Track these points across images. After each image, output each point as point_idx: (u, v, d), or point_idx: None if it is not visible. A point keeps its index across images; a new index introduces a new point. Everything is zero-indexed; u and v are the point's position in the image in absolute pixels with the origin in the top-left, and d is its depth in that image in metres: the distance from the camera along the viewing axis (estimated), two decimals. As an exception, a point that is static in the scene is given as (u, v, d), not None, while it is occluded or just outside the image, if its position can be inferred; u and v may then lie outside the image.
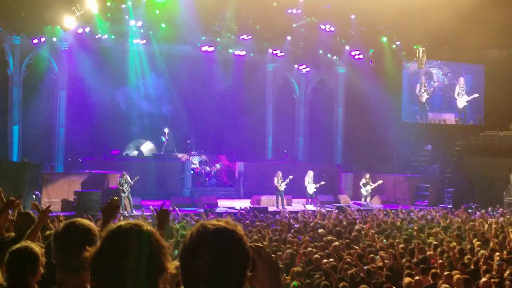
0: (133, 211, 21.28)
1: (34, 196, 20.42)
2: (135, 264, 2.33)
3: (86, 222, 3.32)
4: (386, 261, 11.08)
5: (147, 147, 28.90)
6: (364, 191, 26.37)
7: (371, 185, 26.35)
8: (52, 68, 26.49)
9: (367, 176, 26.67)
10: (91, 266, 2.40)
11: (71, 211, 20.01)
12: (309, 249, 12.13)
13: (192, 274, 2.26)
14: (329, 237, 13.78)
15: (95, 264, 2.39)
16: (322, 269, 10.40)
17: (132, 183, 21.74)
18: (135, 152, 28.38)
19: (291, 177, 24.81)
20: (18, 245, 4.12)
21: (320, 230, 15.54)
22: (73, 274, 3.19)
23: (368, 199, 26.34)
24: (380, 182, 26.47)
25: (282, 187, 24.65)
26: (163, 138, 27.86)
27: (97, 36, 26.00)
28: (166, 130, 27.80)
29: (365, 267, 10.48)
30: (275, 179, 24.71)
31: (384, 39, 29.34)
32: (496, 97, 31.45)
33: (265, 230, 15.00)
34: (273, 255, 2.44)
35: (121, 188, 21.63)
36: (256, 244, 2.41)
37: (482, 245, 13.11)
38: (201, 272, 2.23)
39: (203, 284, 2.23)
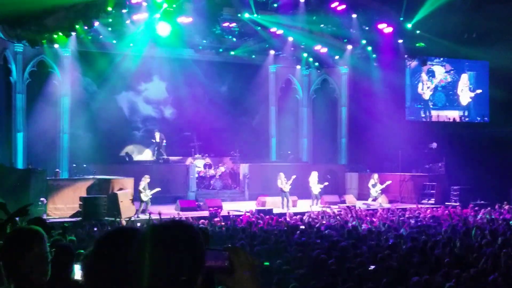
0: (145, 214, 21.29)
1: (39, 203, 20.44)
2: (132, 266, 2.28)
3: (33, 227, 3.39)
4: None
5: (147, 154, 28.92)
6: (374, 191, 26.37)
7: (380, 186, 26.32)
8: (55, 74, 26.51)
9: (376, 176, 26.63)
10: (86, 268, 2.38)
11: (76, 217, 20.03)
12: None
13: (136, 274, 2.20)
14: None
15: (90, 266, 2.36)
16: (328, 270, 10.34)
17: (149, 194, 21.89)
18: (139, 156, 28.38)
19: (294, 176, 24.76)
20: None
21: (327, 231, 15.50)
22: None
23: (379, 200, 26.28)
24: (388, 182, 26.46)
25: (287, 188, 24.58)
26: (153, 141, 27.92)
27: (98, 42, 26.05)
28: (157, 135, 27.78)
29: (372, 267, 10.42)
30: (278, 180, 24.65)
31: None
32: (501, 93, 31.36)
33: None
34: (253, 257, 2.38)
35: (142, 191, 21.78)
36: (231, 246, 2.38)
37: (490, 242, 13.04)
38: (142, 272, 2.18)
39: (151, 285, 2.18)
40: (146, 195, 21.83)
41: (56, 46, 25.13)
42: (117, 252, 2.34)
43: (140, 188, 21.90)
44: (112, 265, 2.32)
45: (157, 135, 27.80)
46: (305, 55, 30.86)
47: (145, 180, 22.09)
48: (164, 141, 27.87)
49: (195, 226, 2.37)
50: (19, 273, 3.22)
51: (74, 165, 25.56)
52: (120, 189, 21.53)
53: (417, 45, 29.53)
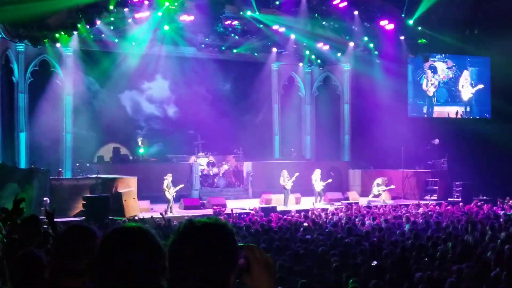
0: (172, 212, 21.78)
1: (43, 202, 20.46)
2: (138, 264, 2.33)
3: (85, 225, 3.35)
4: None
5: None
6: (375, 190, 26.39)
7: (383, 187, 26.32)
8: (57, 74, 26.55)
9: (385, 178, 26.68)
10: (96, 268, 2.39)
11: (80, 216, 20.05)
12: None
13: (176, 271, 2.25)
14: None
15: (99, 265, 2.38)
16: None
17: (172, 192, 22.27)
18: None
19: (297, 174, 24.76)
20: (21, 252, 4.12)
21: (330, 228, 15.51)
22: (73, 277, 3.20)
23: (382, 196, 26.29)
24: (392, 186, 26.48)
25: (289, 185, 24.60)
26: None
27: (101, 41, 26.10)
28: (140, 139, 27.84)
29: (374, 262, 10.43)
30: (281, 178, 24.67)
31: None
32: (503, 89, 31.34)
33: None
34: (268, 255, 2.43)
35: (166, 189, 22.12)
36: (249, 244, 2.42)
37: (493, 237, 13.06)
38: (184, 270, 2.23)
39: (185, 283, 2.23)
40: (169, 193, 22.21)
41: (58, 45, 25.15)
42: (121, 251, 2.36)
43: (164, 186, 22.27)
44: (118, 264, 2.34)
45: (140, 140, 27.93)
46: (307, 52, 30.86)
47: (168, 179, 22.46)
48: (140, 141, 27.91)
49: (230, 224, 2.39)
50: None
51: (77, 164, 25.60)
52: (126, 188, 21.59)
53: (419, 41, 29.52)
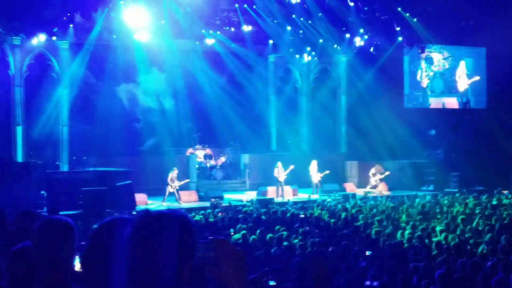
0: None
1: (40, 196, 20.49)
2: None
3: (63, 218, 3.38)
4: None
5: None
6: (373, 180, 26.52)
7: (380, 175, 26.44)
8: (53, 67, 26.50)
9: (377, 166, 26.78)
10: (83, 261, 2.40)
11: (77, 210, 20.05)
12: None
13: (131, 261, 2.25)
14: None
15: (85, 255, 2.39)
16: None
17: (176, 186, 23.12)
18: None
19: (292, 166, 24.85)
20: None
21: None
22: (53, 270, 3.24)
23: (379, 188, 26.38)
24: (387, 173, 26.59)
25: (282, 177, 24.69)
26: None
27: (97, 33, 26.02)
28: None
29: (368, 252, 10.48)
30: (275, 170, 24.78)
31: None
32: (499, 79, 31.39)
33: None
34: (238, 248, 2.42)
35: (170, 183, 23.02)
36: (216, 237, 2.41)
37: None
38: (138, 260, 2.22)
39: (139, 273, 2.22)
40: (172, 187, 22.90)
41: (54, 38, 25.09)
42: (109, 241, 2.37)
43: (168, 180, 22.98)
44: (105, 253, 2.35)
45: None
46: (303, 44, 30.76)
47: (172, 173, 23.18)
48: None
49: (188, 215, 2.39)
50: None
51: (74, 157, 25.59)
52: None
53: (415, 32, 29.53)
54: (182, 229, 2.30)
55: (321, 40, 29.83)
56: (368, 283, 8.74)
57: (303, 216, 16.77)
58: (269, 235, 12.46)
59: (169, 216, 2.31)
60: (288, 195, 24.75)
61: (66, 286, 3.27)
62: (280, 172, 24.68)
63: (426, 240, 12.07)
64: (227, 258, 2.35)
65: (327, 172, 26.16)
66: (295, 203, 22.06)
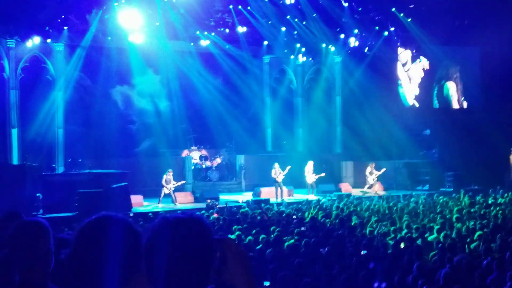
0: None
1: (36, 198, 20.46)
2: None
3: (35, 219, 3.44)
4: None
5: None
6: (370, 179, 26.57)
7: (376, 172, 26.50)
8: (48, 69, 26.48)
9: (372, 165, 26.84)
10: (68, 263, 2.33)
11: (73, 212, 20.04)
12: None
13: (153, 269, 2.22)
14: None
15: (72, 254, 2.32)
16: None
17: (172, 187, 23.12)
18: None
19: (289, 167, 24.87)
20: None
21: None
22: (28, 271, 3.28)
23: (375, 188, 26.43)
24: (383, 170, 26.65)
25: (280, 178, 24.71)
26: None
27: (92, 36, 26.00)
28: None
29: (362, 252, 10.52)
30: (272, 171, 24.79)
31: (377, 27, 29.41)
32: (493, 79, 31.49)
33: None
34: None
35: (164, 185, 22.93)
36: (223, 237, 2.40)
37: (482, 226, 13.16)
38: (162, 268, 2.20)
39: (165, 281, 2.20)
40: (167, 188, 22.88)
41: (48, 41, 25.09)
42: (96, 239, 2.30)
43: (162, 181, 22.92)
44: (93, 252, 2.30)
45: None
46: (298, 45, 30.79)
47: (167, 174, 23.14)
48: None
49: (204, 218, 2.39)
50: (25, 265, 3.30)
51: (70, 160, 25.57)
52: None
53: (408, 32, 29.63)
54: (202, 232, 2.30)
55: (315, 41, 29.83)
56: (376, 285, 8.75)
57: (296, 217, 16.81)
58: (262, 236, 12.46)
59: (186, 220, 2.31)
60: (283, 196, 24.77)
61: (43, 286, 3.29)
62: (278, 173, 24.70)
63: (421, 240, 12.13)
64: (233, 259, 2.33)
65: (323, 174, 26.16)
66: (291, 203, 22.10)
